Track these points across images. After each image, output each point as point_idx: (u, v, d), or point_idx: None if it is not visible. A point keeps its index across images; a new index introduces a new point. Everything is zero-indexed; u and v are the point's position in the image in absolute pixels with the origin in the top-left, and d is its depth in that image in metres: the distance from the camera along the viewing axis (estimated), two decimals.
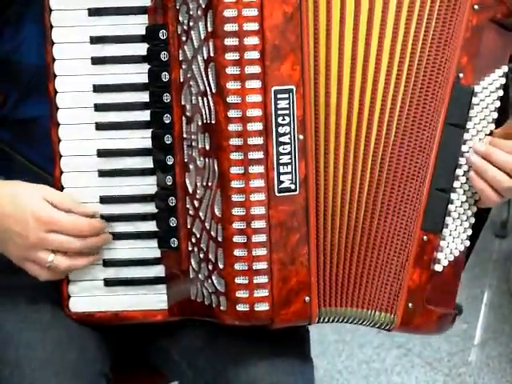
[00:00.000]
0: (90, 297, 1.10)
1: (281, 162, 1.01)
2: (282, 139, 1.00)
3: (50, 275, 1.05)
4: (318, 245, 1.05)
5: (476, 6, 1.07)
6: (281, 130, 1.00)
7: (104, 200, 1.08)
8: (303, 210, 1.02)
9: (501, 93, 1.10)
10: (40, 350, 1.04)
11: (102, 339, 1.11)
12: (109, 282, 1.10)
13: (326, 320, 1.08)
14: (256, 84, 0.99)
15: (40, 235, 1.02)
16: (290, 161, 1.01)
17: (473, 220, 1.11)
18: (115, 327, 1.12)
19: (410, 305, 1.09)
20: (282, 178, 1.01)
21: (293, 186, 1.02)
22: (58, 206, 1.04)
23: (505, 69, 1.10)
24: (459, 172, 1.09)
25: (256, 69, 0.98)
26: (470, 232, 1.12)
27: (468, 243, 1.12)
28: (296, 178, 1.02)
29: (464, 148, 1.08)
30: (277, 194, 1.01)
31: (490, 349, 2.34)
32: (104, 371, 1.10)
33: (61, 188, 1.07)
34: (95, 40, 1.06)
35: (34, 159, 1.12)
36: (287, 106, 1.00)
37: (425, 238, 1.09)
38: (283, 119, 1.00)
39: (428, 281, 1.09)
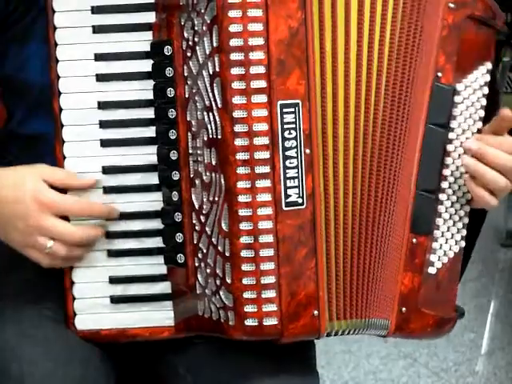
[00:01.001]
0: (95, 314, 1.09)
1: (287, 176, 1.00)
2: (288, 153, 1.00)
3: (50, 262, 1.05)
4: (326, 258, 1.04)
5: (451, 5, 1.06)
6: (287, 144, 1.00)
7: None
8: (311, 224, 1.02)
9: (486, 90, 1.09)
10: (42, 365, 1.03)
11: (106, 354, 1.11)
12: (115, 299, 1.09)
13: (334, 334, 1.08)
14: (262, 98, 0.99)
15: (40, 220, 1.02)
16: (296, 175, 1.01)
17: (466, 220, 1.10)
18: (120, 343, 1.11)
19: (404, 309, 1.08)
20: (289, 191, 1.01)
21: (300, 200, 1.01)
22: (57, 183, 1.04)
23: (488, 66, 1.09)
24: (446, 172, 1.08)
25: (262, 83, 0.98)
26: (464, 232, 1.11)
27: (463, 244, 1.11)
28: (303, 192, 1.01)
29: (450, 148, 1.08)
30: (284, 208, 1.01)
31: (497, 358, 2.34)
32: None
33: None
34: (100, 57, 1.06)
35: None
36: (293, 120, 1.00)
37: (414, 240, 1.08)
38: (289, 133, 1.00)
39: (421, 284, 1.09)
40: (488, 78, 1.09)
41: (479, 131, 1.08)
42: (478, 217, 1.13)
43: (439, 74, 1.07)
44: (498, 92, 1.17)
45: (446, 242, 1.10)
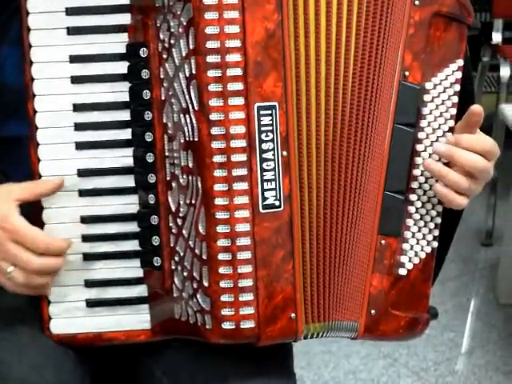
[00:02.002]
0: (71, 318, 1.08)
1: (265, 178, 1.00)
2: (265, 155, 1.00)
3: (13, 288, 1.04)
4: (303, 261, 1.04)
5: (417, 2, 1.05)
6: (264, 146, 1.00)
7: (85, 220, 1.07)
8: (288, 227, 1.02)
9: (457, 88, 1.07)
10: (16, 369, 1.03)
11: (80, 358, 1.10)
12: (90, 303, 1.08)
13: (310, 336, 1.08)
14: (239, 101, 0.98)
15: (3, 244, 1.01)
16: (273, 177, 1.00)
17: (439, 220, 1.09)
18: (96, 347, 1.10)
19: (373, 311, 1.08)
20: (267, 194, 1.00)
21: (277, 203, 1.01)
22: (29, 198, 1.03)
23: (460, 62, 1.08)
24: (417, 172, 1.07)
25: (239, 86, 0.98)
26: (436, 233, 1.10)
27: (436, 244, 1.10)
28: (280, 195, 1.01)
29: (419, 147, 1.07)
30: (261, 211, 1.00)
31: (477, 357, 2.35)
32: None
33: (40, 209, 1.06)
34: (74, 59, 1.05)
35: (17, 178, 1.11)
36: (270, 122, 0.99)
37: (383, 242, 1.08)
38: (266, 135, 1.00)
39: (392, 286, 1.08)
40: (459, 75, 1.08)
41: (451, 130, 1.08)
42: (453, 216, 1.13)
43: (406, 73, 1.06)
44: (472, 89, 1.17)
45: (417, 243, 1.09)
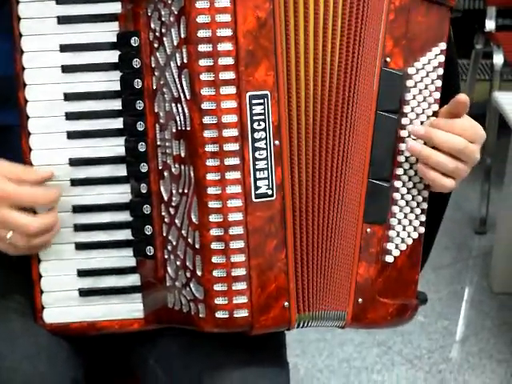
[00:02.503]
0: (64, 307, 1.08)
1: (257, 167, 1.00)
2: (257, 145, 1.00)
3: (15, 251, 1.04)
4: (295, 249, 1.04)
5: None
6: (256, 135, 0.99)
7: (77, 209, 1.07)
8: (280, 215, 1.02)
9: (440, 71, 1.07)
10: (9, 359, 1.03)
11: (73, 346, 1.10)
12: (83, 292, 1.08)
13: (303, 325, 1.08)
14: (231, 90, 0.98)
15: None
16: (266, 166, 1.00)
17: (425, 205, 1.09)
18: (90, 336, 1.11)
19: (360, 300, 1.08)
20: (259, 183, 1.00)
21: (269, 192, 1.01)
22: (14, 179, 1.02)
23: (442, 46, 1.07)
24: (401, 158, 1.07)
25: (230, 75, 0.98)
26: (423, 218, 1.09)
27: (423, 230, 1.10)
28: (272, 184, 1.01)
29: (403, 133, 1.06)
30: (254, 200, 1.00)
31: (471, 345, 2.35)
32: (76, 378, 1.09)
33: None
34: (65, 48, 1.04)
35: None
36: (262, 111, 0.99)
37: (368, 230, 1.07)
38: (259, 124, 0.99)
39: (379, 273, 1.08)
40: (442, 58, 1.07)
41: (435, 114, 1.07)
42: (440, 200, 1.12)
43: (387, 59, 1.05)
44: (456, 71, 1.16)
45: (404, 230, 1.09)
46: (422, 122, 1.07)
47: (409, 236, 1.09)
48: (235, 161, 0.99)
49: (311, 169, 1.04)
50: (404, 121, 1.07)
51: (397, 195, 1.08)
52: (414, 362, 2.29)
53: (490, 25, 3.17)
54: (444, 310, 2.48)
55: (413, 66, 1.06)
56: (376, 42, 1.05)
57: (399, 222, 1.09)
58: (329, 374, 2.23)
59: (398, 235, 1.09)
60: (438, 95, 1.07)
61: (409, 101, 1.07)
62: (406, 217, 1.09)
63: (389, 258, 1.09)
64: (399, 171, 1.07)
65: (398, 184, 1.08)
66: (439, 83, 1.07)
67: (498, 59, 2.98)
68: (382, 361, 2.29)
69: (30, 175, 1.04)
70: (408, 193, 1.08)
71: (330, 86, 1.04)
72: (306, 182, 1.04)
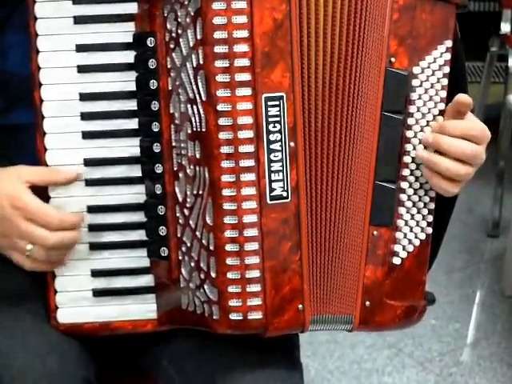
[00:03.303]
0: (77, 307, 1.08)
1: (272, 169, 1.00)
2: (273, 146, 0.99)
3: (32, 265, 1.04)
4: (309, 252, 1.04)
5: None
6: (272, 137, 0.99)
7: (91, 209, 1.07)
8: (295, 218, 1.01)
9: (447, 69, 1.06)
10: (20, 358, 1.03)
11: (85, 345, 1.10)
12: (97, 293, 1.08)
13: (317, 328, 1.08)
14: (246, 91, 0.98)
15: (16, 223, 1.01)
16: (281, 168, 1.00)
17: (432, 205, 1.08)
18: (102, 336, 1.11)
19: (368, 303, 1.07)
20: (274, 185, 1.00)
21: (284, 194, 1.01)
22: (38, 183, 1.03)
23: (448, 43, 1.06)
24: (407, 159, 1.06)
25: (246, 76, 0.97)
26: (430, 218, 1.08)
27: (430, 230, 1.09)
28: (287, 186, 1.01)
29: (409, 134, 1.05)
30: (268, 202, 1.00)
31: (482, 348, 2.34)
32: (87, 377, 1.09)
33: (46, 198, 1.05)
34: (81, 48, 1.04)
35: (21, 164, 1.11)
36: (278, 113, 0.99)
37: (375, 232, 1.07)
38: (274, 126, 0.99)
39: (386, 276, 1.08)
40: (448, 56, 1.06)
41: (442, 113, 1.06)
42: (448, 199, 1.11)
43: (392, 60, 1.04)
44: (463, 68, 1.14)
45: (411, 231, 1.08)
46: (427, 122, 1.06)
47: (416, 237, 1.09)
48: (250, 162, 0.99)
49: (325, 171, 1.04)
50: (410, 121, 1.06)
51: (403, 196, 1.07)
52: (424, 364, 2.28)
53: (505, 27, 3.15)
54: (455, 313, 2.47)
55: (418, 65, 1.05)
56: (380, 42, 1.04)
57: (406, 224, 1.08)
58: (339, 376, 2.23)
59: (405, 237, 1.08)
60: (444, 94, 1.06)
61: (414, 100, 1.06)
62: (412, 218, 1.08)
63: (396, 260, 1.08)
64: (405, 172, 1.07)
65: (404, 185, 1.07)
66: (445, 81, 1.06)
67: None
68: (392, 363, 2.28)
69: (55, 177, 1.04)
70: (415, 194, 1.07)
71: (336, 87, 1.03)
72: (321, 184, 1.04)
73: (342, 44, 1.03)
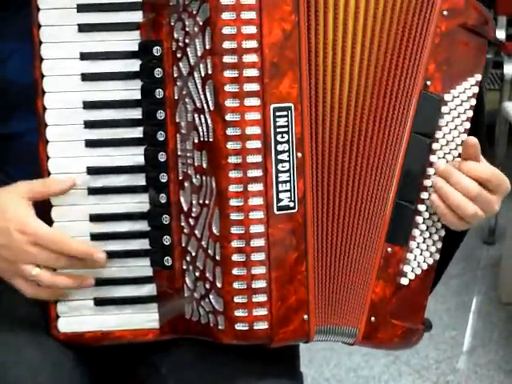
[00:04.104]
0: (79, 316, 1.08)
1: (280, 179, 0.99)
2: (280, 157, 0.99)
3: (35, 291, 1.04)
4: (315, 262, 1.04)
5: (445, 12, 1.05)
6: (280, 147, 0.99)
7: (94, 218, 1.06)
8: (302, 228, 1.01)
9: (473, 102, 1.07)
10: (13, 371, 1.02)
11: (80, 357, 1.09)
12: (99, 302, 1.08)
13: (321, 338, 1.07)
14: (255, 102, 0.97)
15: (24, 247, 1.00)
16: (288, 178, 1.00)
17: (443, 233, 1.09)
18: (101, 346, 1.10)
19: (373, 318, 1.07)
20: (281, 195, 1.00)
21: (292, 204, 1.00)
22: (37, 197, 1.02)
23: (478, 77, 1.07)
24: (428, 183, 1.06)
25: (255, 86, 0.97)
26: (440, 245, 1.09)
27: (438, 257, 1.10)
28: (295, 196, 1.00)
29: (433, 158, 1.06)
30: (276, 212, 1.00)
31: (479, 356, 2.35)
32: None
33: (49, 207, 1.05)
34: (85, 56, 1.04)
35: (17, 176, 1.09)
36: (286, 123, 0.99)
37: (389, 249, 1.07)
38: (282, 137, 0.99)
39: (393, 294, 1.08)
40: (476, 89, 1.07)
41: (463, 143, 1.07)
42: (456, 234, 1.11)
43: (428, 83, 1.05)
44: (483, 108, 1.15)
45: (421, 254, 1.09)
46: (450, 150, 1.07)
47: (424, 261, 1.09)
48: (258, 173, 0.99)
49: (333, 182, 1.04)
50: (435, 146, 1.06)
51: (419, 219, 1.07)
52: (421, 372, 2.28)
53: (500, 34, 3.17)
54: (452, 321, 2.48)
55: (449, 93, 1.06)
56: (419, 63, 1.05)
57: (418, 246, 1.08)
58: None
59: (415, 259, 1.08)
60: (468, 125, 1.07)
61: (441, 127, 1.06)
62: (424, 241, 1.08)
63: (404, 281, 1.08)
64: (424, 195, 1.07)
65: (421, 208, 1.07)
66: (470, 113, 1.07)
67: (509, 69, 2.98)
68: (389, 371, 2.28)
69: (52, 188, 1.04)
70: (429, 218, 1.08)
71: (363, 100, 1.04)
72: (328, 195, 1.04)
73: (370, 57, 1.03)
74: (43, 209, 1.04)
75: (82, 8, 1.03)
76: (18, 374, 1.02)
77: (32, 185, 1.04)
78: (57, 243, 1.01)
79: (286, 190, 1.00)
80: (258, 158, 0.98)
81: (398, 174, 1.06)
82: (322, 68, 1.02)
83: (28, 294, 1.04)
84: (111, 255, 1.07)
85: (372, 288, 1.07)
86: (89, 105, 1.04)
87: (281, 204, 1.00)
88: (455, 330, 2.45)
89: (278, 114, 0.98)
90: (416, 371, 2.28)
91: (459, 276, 2.72)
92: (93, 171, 1.05)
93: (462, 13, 1.05)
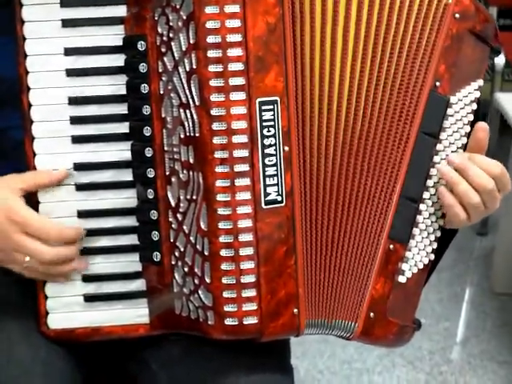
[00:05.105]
0: (69, 313, 1.07)
1: (267, 174, 0.99)
2: (267, 151, 0.99)
3: (32, 275, 1.04)
4: (305, 256, 1.03)
5: (457, 15, 1.05)
6: (266, 141, 0.99)
7: (82, 214, 1.06)
8: (290, 222, 1.01)
9: (475, 106, 1.08)
10: (5, 371, 1.02)
11: (71, 355, 1.09)
12: (89, 298, 1.07)
13: (313, 332, 1.07)
14: (240, 96, 0.97)
15: (13, 237, 1.01)
16: (275, 172, 0.99)
17: (439, 233, 1.09)
18: (91, 342, 1.10)
19: (372, 314, 1.07)
20: (269, 190, 0.99)
21: (279, 198, 1.00)
22: (29, 189, 1.02)
23: (480, 82, 1.08)
24: (429, 183, 1.07)
25: (240, 80, 0.97)
26: (435, 246, 1.10)
27: (433, 257, 1.10)
28: (282, 190, 1.00)
29: (436, 159, 1.07)
30: (263, 207, 0.99)
31: (472, 346, 2.35)
32: None
33: (36, 203, 1.04)
34: (69, 51, 1.03)
35: (2, 173, 1.09)
36: (272, 117, 0.98)
37: (391, 246, 1.07)
38: (268, 131, 0.99)
39: (391, 291, 1.08)
40: (478, 94, 1.08)
41: (464, 147, 1.07)
42: (447, 234, 1.12)
43: (437, 83, 1.06)
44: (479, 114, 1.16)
45: (418, 253, 1.09)
46: (452, 152, 1.07)
47: (421, 260, 1.09)
48: (245, 167, 0.98)
49: (323, 176, 1.04)
50: (439, 146, 1.07)
51: (419, 218, 1.08)
52: (414, 363, 2.28)
53: None
54: (445, 312, 2.48)
55: (455, 96, 1.07)
56: (426, 61, 1.05)
57: (416, 245, 1.08)
58: (330, 376, 2.23)
59: (412, 257, 1.09)
60: (468, 129, 1.07)
61: (446, 128, 1.06)
62: (422, 241, 1.09)
63: (401, 279, 1.08)
64: (426, 195, 1.07)
65: (422, 207, 1.07)
66: (471, 117, 1.08)
67: (500, 60, 2.97)
68: (382, 362, 2.28)
69: (44, 179, 1.03)
70: (428, 218, 1.08)
71: (358, 92, 1.04)
72: (318, 189, 1.04)
73: (366, 50, 1.03)
74: (31, 205, 1.04)
75: (65, 3, 1.02)
76: (10, 373, 1.02)
77: (23, 177, 1.03)
78: (47, 230, 1.01)
79: (274, 184, 0.99)
80: (244, 153, 0.98)
81: (404, 172, 1.06)
82: (308, 61, 1.01)
83: (27, 276, 1.04)
84: (100, 251, 1.06)
85: (373, 284, 1.07)
86: (74, 100, 1.04)
87: (268, 198, 0.99)
88: (448, 320, 2.45)
89: (263, 107, 0.98)
90: (410, 362, 2.28)
91: (452, 267, 2.73)
92: (80, 167, 1.05)
93: (471, 17, 1.06)
